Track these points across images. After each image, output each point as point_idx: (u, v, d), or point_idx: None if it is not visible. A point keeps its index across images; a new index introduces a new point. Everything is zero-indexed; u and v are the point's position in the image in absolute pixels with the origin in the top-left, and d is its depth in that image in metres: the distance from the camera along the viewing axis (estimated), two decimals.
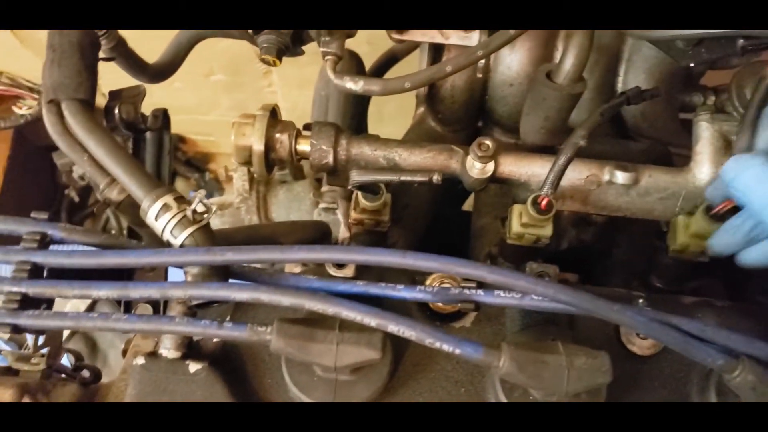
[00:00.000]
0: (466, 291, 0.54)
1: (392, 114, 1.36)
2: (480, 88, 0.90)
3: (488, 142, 0.61)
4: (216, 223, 0.96)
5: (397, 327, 0.49)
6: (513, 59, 0.88)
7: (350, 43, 0.69)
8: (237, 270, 0.55)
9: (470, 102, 0.89)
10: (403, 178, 0.59)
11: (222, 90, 1.63)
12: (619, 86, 0.89)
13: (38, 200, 1.98)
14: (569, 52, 0.65)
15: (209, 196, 1.92)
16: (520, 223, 0.66)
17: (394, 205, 0.80)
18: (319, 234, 0.67)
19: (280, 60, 0.69)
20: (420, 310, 0.60)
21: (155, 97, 0.79)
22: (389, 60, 0.99)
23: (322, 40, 0.62)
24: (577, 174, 0.67)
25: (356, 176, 0.60)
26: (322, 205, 0.88)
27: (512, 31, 0.64)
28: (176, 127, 1.85)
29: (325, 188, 0.87)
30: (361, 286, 0.56)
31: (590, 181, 0.67)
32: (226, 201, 0.95)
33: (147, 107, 0.78)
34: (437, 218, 0.90)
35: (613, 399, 0.55)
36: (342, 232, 0.73)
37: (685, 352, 0.49)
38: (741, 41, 0.65)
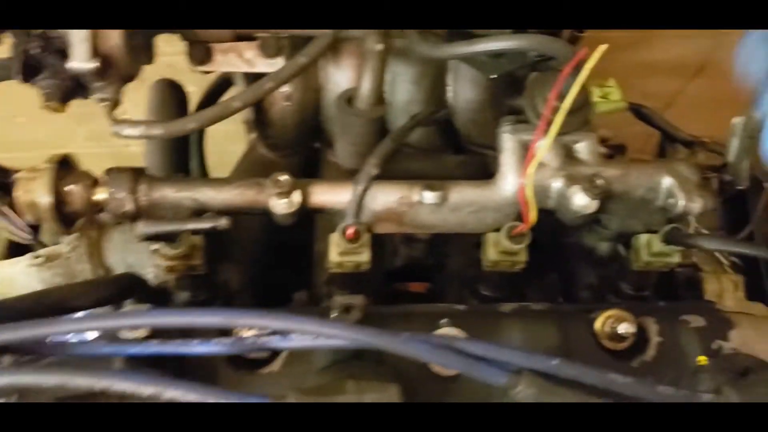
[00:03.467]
0: (261, 339, 0.52)
1: None
2: (312, 107, 0.88)
3: (284, 177, 0.60)
4: (47, 276, 0.90)
5: (175, 392, 0.46)
6: (341, 77, 0.87)
7: None
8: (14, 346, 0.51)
9: (303, 123, 0.88)
10: (188, 226, 0.56)
11: (75, 121, 1.53)
12: (450, 95, 0.90)
13: None
14: (364, 76, 0.65)
15: None
16: (337, 252, 0.65)
17: (219, 240, 0.78)
18: (119, 289, 0.63)
19: (65, 105, 0.64)
20: (230, 360, 0.58)
21: None
22: (223, 83, 0.96)
23: (94, 86, 0.58)
24: (388, 197, 0.67)
25: (142, 228, 0.57)
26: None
27: (303, 58, 0.63)
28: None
29: None
30: (155, 346, 0.53)
31: (402, 203, 0.67)
32: (54, 251, 0.89)
33: None
34: (282, 246, 0.88)
35: None
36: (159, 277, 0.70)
37: (472, 374, 0.49)
38: (531, 53, 0.67)
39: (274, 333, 0.52)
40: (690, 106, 1.41)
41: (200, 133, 0.95)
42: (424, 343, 0.49)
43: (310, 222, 0.95)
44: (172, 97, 0.83)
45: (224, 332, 0.57)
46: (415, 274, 0.90)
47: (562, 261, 0.85)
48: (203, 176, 0.96)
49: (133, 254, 0.90)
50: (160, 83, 0.86)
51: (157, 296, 0.72)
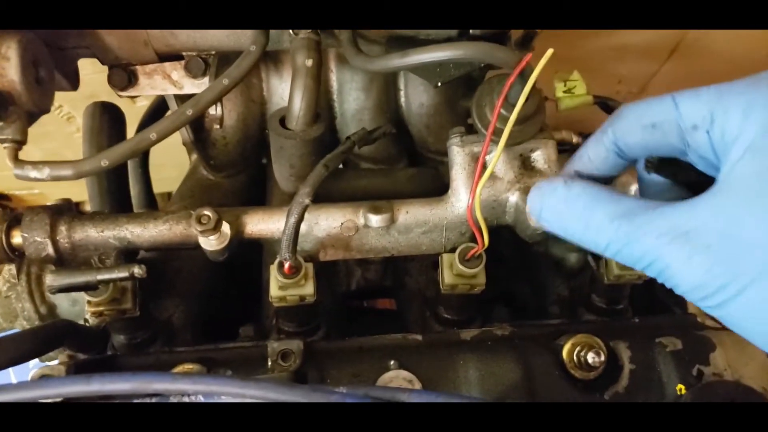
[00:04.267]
0: (185, 399, 0.47)
1: None
2: (257, 122, 0.83)
3: (209, 213, 0.54)
4: None
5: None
6: (285, 89, 0.82)
7: None
8: None
9: (246, 140, 0.82)
10: (100, 277, 0.51)
11: (31, 140, 1.47)
12: (402, 100, 0.84)
13: None
14: (294, 94, 0.59)
15: None
16: (278, 286, 0.60)
17: (160, 275, 0.72)
18: (44, 341, 0.58)
19: None
20: None
21: None
22: (164, 101, 0.90)
23: None
24: (331, 222, 0.62)
25: (51, 281, 0.52)
26: None
27: (225, 80, 0.57)
28: None
29: None
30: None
31: (347, 228, 0.62)
32: None
33: None
34: (233, 271, 0.83)
35: None
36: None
37: None
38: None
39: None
40: (665, 88, 1.36)
41: (143, 154, 0.89)
42: (361, 401, 0.44)
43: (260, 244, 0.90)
44: (106, 120, 0.77)
45: None
46: (380, 291, 0.85)
47: (530, 272, 0.80)
48: (149, 201, 0.90)
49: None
50: (93, 106, 0.80)
51: (92, 340, 0.66)
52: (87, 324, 0.72)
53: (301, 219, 0.54)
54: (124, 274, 0.50)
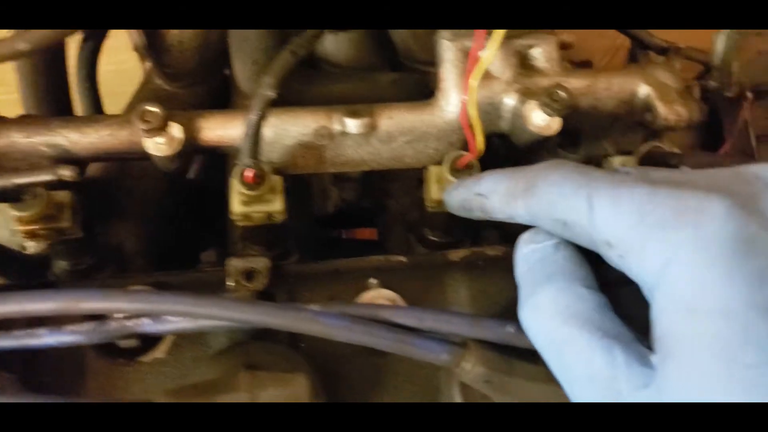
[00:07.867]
0: (128, 323, 0.40)
1: None
2: None
3: (153, 108, 0.46)
4: None
5: None
6: None
7: None
8: None
9: (207, 46, 0.72)
10: (18, 180, 0.42)
11: None
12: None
13: None
14: None
15: None
16: (240, 201, 0.52)
17: (106, 193, 0.64)
18: None
19: None
20: (100, 346, 0.46)
21: None
22: None
23: None
24: (301, 128, 0.53)
25: None
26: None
27: None
28: None
29: None
30: None
31: (320, 135, 0.53)
32: None
33: None
34: (193, 194, 0.75)
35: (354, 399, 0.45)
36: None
37: (403, 351, 0.38)
38: None
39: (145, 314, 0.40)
40: None
41: (90, 68, 0.79)
42: (338, 319, 0.37)
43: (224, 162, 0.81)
44: None
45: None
46: (361, 218, 0.78)
47: None
48: None
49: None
50: None
51: (27, 265, 0.58)
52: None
53: (263, 115, 0.46)
54: (47, 177, 0.41)
